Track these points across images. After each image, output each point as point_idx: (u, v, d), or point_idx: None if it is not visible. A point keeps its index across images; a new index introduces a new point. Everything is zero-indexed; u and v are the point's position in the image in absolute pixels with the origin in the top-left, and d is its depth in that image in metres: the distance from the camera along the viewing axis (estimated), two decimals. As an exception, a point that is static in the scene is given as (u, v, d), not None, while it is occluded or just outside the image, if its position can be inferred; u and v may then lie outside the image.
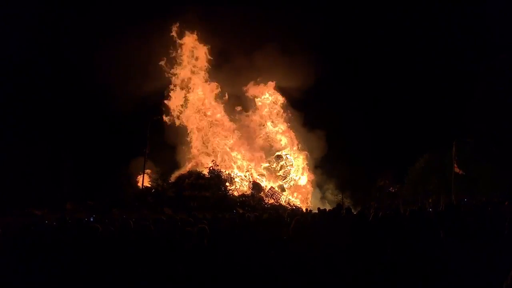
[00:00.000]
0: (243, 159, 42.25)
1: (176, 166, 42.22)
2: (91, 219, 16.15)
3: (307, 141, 43.42)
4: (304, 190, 42.30)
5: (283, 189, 41.06)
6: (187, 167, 41.40)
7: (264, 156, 43.43)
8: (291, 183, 42.62)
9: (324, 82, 41.77)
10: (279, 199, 38.84)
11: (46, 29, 38.32)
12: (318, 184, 44.07)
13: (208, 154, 42.04)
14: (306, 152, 43.35)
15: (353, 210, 14.74)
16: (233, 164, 41.63)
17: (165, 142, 41.57)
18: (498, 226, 6.64)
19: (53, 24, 38.65)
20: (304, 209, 30.96)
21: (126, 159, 38.99)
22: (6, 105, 34.83)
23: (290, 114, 44.29)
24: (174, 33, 41.64)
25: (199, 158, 42.01)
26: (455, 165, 32.04)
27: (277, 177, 42.68)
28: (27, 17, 38.39)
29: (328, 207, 25.01)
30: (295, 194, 41.66)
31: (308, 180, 43.00)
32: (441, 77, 44.55)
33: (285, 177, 42.85)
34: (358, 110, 43.76)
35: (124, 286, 5.87)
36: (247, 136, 43.70)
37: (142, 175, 34.80)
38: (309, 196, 42.29)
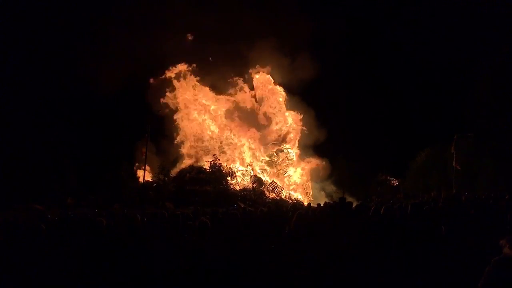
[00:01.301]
0: (245, 153, 42.28)
1: (177, 159, 42.34)
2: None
3: (309, 136, 43.50)
4: (304, 184, 42.37)
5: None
6: (188, 161, 41.50)
7: (265, 150, 43.49)
8: (292, 177, 42.68)
9: (326, 76, 41.75)
10: (280, 193, 38.87)
11: (49, 27, 38.35)
12: (319, 179, 44.10)
13: (209, 148, 42.16)
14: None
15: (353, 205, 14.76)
16: (236, 158, 41.73)
17: (167, 135, 41.84)
18: (499, 220, 6.67)
19: (56, 22, 38.72)
20: (305, 203, 31.02)
21: (127, 154, 39.16)
22: (7, 101, 34.87)
23: (292, 108, 44.32)
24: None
25: (200, 152, 42.12)
26: (454, 160, 32.10)
27: (278, 171, 42.69)
28: (29, 18, 38.58)
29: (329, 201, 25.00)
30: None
31: (308, 174, 43.08)
32: (443, 72, 44.49)
33: (286, 171, 42.87)
34: (359, 104, 43.80)
35: (127, 280, 5.90)
36: (249, 130, 43.71)
37: (143, 170, 34.89)
38: (310, 190, 42.37)
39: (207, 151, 41.67)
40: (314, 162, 43.01)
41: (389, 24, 47.27)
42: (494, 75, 31.45)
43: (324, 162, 42.98)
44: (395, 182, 44.15)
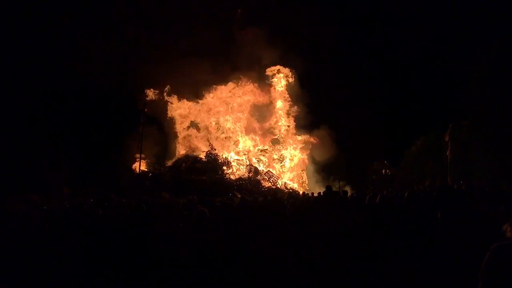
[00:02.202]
0: (241, 142, 42.29)
1: (173, 150, 42.34)
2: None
3: (304, 124, 43.54)
4: (298, 173, 42.45)
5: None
6: (184, 150, 41.48)
7: (261, 139, 43.49)
8: (287, 166, 42.68)
9: (319, 65, 41.64)
10: (276, 182, 38.96)
11: (40, 21, 38.12)
12: (314, 168, 44.17)
13: (205, 137, 42.20)
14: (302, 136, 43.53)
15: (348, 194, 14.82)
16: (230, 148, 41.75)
17: (162, 125, 41.75)
18: (494, 209, 6.71)
19: (46, 16, 38.47)
20: (301, 193, 31.14)
21: (122, 143, 39.04)
22: (2, 93, 34.70)
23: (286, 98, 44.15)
24: None
25: (196, 141, 42.14)
26: (449, 148, 32.29)
27: (274, 160, 42.70)
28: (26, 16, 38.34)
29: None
30: (289, 174, 41.83)
31: (303, 163, 43.15)
32: (439, 59, 44.44)
33: (282, 161, 42.87)
34: (355, 93, 43.63)
35: (123, 271, 5.90)
36: (246, 119, 43.65)
37: (139, 159, 34.83)
38: (306, 179, 42.47)
39: (203, 140, 41.78)
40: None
41: (386, 14, 47.12)
42: (490, 63, 31.42)
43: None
44: (387, 171, 44.31)
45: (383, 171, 43.81)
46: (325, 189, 14.88)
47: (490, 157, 30.02)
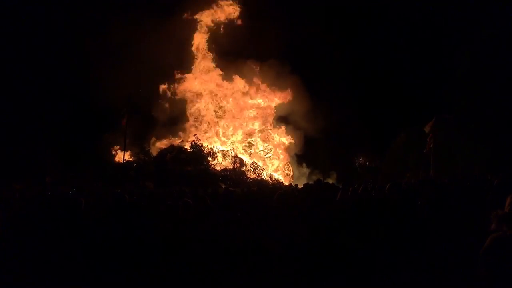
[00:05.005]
0: (226, 133, 42.23)
1: (158, 138, 42.05)
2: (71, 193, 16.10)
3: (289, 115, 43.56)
4: (283, 164, 42.51)
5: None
6: (169, 140, 41.29)
7: (246, 131, 43.39)
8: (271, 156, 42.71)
9: (304, 55, 41.60)
10: (261, 173, 38.98)
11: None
12: (299, 160, 44.27)
13: (192, 126, 42.10)
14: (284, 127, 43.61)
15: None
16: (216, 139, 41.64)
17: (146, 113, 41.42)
18: (476, 202, 6.80)
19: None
20: (286, 184, 31.24)
21: (106, 132, 38.71)
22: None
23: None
24: None
25: (183, 131, 42.06)
26: (429, 141, 32.57)
27: (259, 151, 42.68)
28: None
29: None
30: (274, 163, 41.89)
31: (287, 153, 43.23)
32: (424, 52, 44.63)
33: (267, 153, 42.86)
34: (339, 84, 43.65)
35: (109, 262, 5.88)
36: (231, 109, 43.56)
37: (122, 149, 34.65)
38: (291, 171, 42.49)
39: (188, 131, 41.68)
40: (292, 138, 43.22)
41: (370, 7, 47.09)
42: (474, 57, 31.66)
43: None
44: (364, 161, 44.74)
45: (367, 163, 44.22)
46: (313, 182, 14.96)
47: (473, 150, 30.35)
